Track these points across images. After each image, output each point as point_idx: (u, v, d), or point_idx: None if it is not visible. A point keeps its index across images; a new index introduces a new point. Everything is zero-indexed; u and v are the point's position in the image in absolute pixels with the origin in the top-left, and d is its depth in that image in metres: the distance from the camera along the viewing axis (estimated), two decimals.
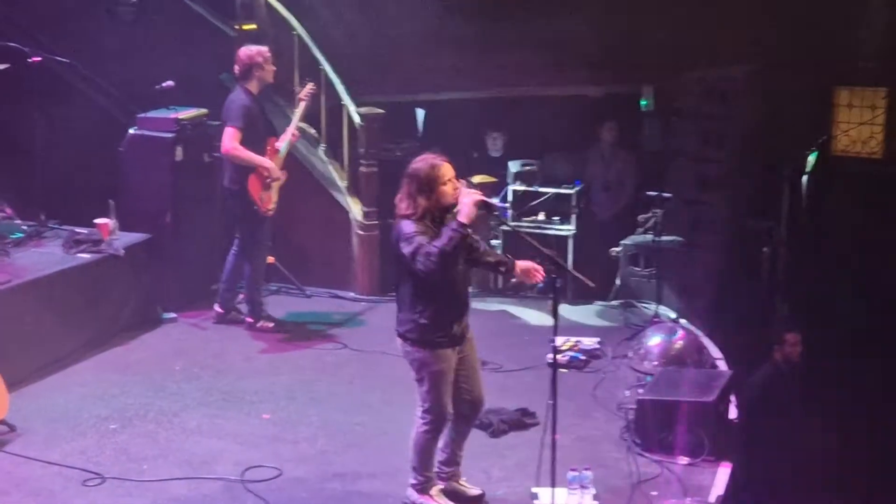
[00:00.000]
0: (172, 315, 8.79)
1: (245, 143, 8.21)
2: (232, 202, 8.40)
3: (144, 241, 8.57)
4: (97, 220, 8.35)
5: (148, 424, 7.10)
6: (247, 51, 8.28)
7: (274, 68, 8.36)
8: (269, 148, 8.40)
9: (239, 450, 6.79)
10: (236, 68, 8.30)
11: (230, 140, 8.17)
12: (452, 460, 6.17)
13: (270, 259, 9.26)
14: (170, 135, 8.73)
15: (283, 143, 8.52)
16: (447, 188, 5.76)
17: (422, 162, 5.79)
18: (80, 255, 8.17)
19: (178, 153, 8.78)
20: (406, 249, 5.66)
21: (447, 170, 5.79)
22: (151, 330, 8.58)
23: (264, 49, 8.29)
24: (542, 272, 6.00)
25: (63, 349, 7.88)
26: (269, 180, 8.30)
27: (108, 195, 8.48)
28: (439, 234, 5.69)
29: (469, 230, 5.70)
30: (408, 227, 5.72)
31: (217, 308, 8.71)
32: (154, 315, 8.68)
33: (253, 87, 8.27)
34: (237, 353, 8.27)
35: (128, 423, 7.09)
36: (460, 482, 6.22)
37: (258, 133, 8.31)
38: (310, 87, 8.64)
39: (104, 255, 8.24)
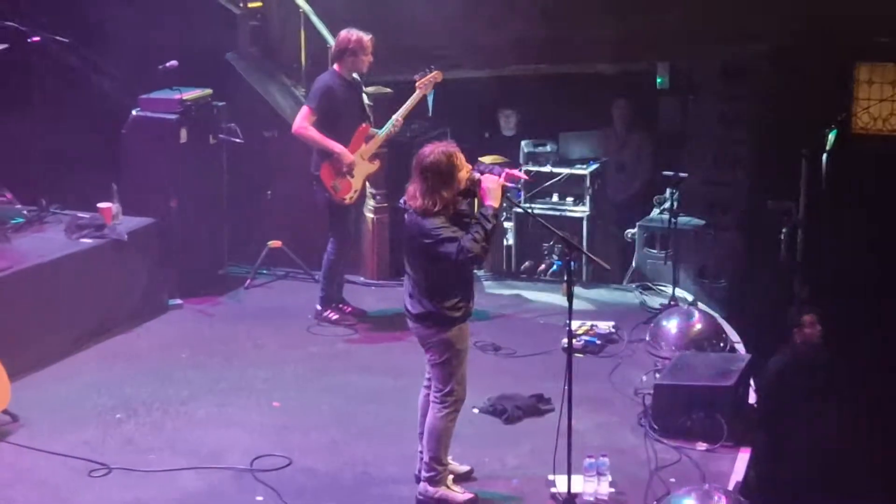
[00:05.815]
0: (178, 301, 8.78)
1: (327, 126, 8.10)
2: (316, 189, 8.32)
3: (149, 226, 8.53)
4: (100, 205, 8.30)
5: (154, 414, 7.10)
6: (345, 34, 8.18)
7: (370, 58, 8.20)
8: (356, 134, 8.28)
9: (248, 439, 6.79)
10: (333, 48, 8.30)
11: (301, 119, 8.14)
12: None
13: (277, 243, 9.28)
14: (174, 116, 8.69)
15: (378, 131, 8.37)
16: (463, 174, 5.78)
17: (438, 154, 5.72)
18: (82, 240, 8.14)
19: (183, 135, 8.76)
20: (445, 249, 5.62)
21: (461, 155, 5.80)
22: (157, 317, 8.55)
23: (365, 37, 8.13)
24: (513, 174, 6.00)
25: (65, 338, 7.86)
26: (344, 167, 8.20)
27: (111, 179, 8.45)
28: (457, 220, 5.73)
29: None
30: (430, 223, 5.68)
31: (323, 310, 8.52)
32: (159, 302, 8.65)
33: (344, 69, 8.19)
34: (246, 341, 8.27)
35: (133, 413, 7.08)
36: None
37: (342, 117, 8.18)
38: (433, 75, 8.41)
39: (107, 240, 8.20)
